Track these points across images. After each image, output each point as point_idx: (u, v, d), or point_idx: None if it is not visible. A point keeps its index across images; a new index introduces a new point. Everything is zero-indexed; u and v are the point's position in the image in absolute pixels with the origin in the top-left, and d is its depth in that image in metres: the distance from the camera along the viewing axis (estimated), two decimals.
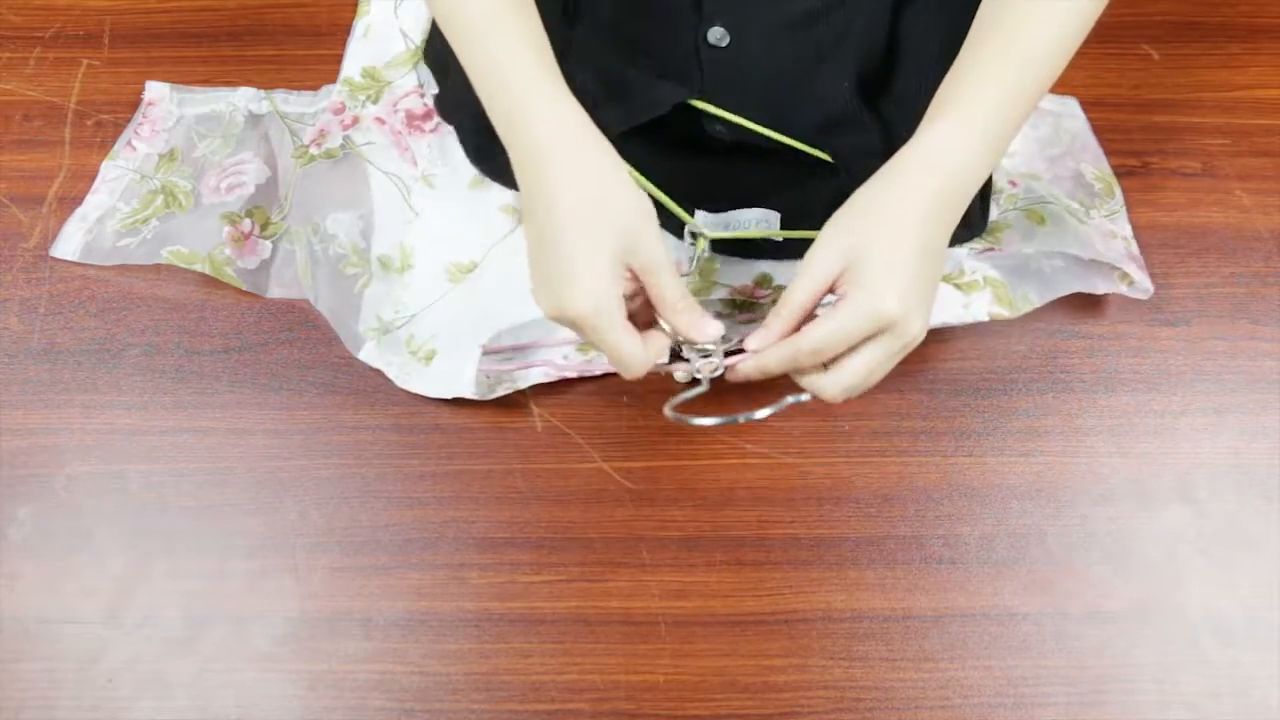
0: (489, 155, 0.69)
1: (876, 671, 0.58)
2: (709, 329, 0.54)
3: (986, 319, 0.63)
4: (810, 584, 0.60)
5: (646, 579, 0.61)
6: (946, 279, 0.62)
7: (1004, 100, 0.55)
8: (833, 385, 0.52)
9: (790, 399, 0.54)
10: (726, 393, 0.59)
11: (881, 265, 0.51)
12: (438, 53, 0.73)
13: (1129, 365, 0.67)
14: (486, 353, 0.64)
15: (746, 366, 0.55)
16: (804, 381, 0.54)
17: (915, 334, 0.52)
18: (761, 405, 0.54)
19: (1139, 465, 0.64)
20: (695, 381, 0.57)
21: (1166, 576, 0.61)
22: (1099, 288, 0.66)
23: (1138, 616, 0.60)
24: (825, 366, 0.53)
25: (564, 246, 0.51)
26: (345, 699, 0.57)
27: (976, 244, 0.67)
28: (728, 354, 0.55)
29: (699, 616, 0.59)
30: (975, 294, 0.62)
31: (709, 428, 0.54)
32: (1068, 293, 0.66)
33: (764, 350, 0.54)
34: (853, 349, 0.52)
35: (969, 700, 0.58)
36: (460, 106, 0.70)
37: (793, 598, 0.60)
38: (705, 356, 0.55)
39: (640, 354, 0.52)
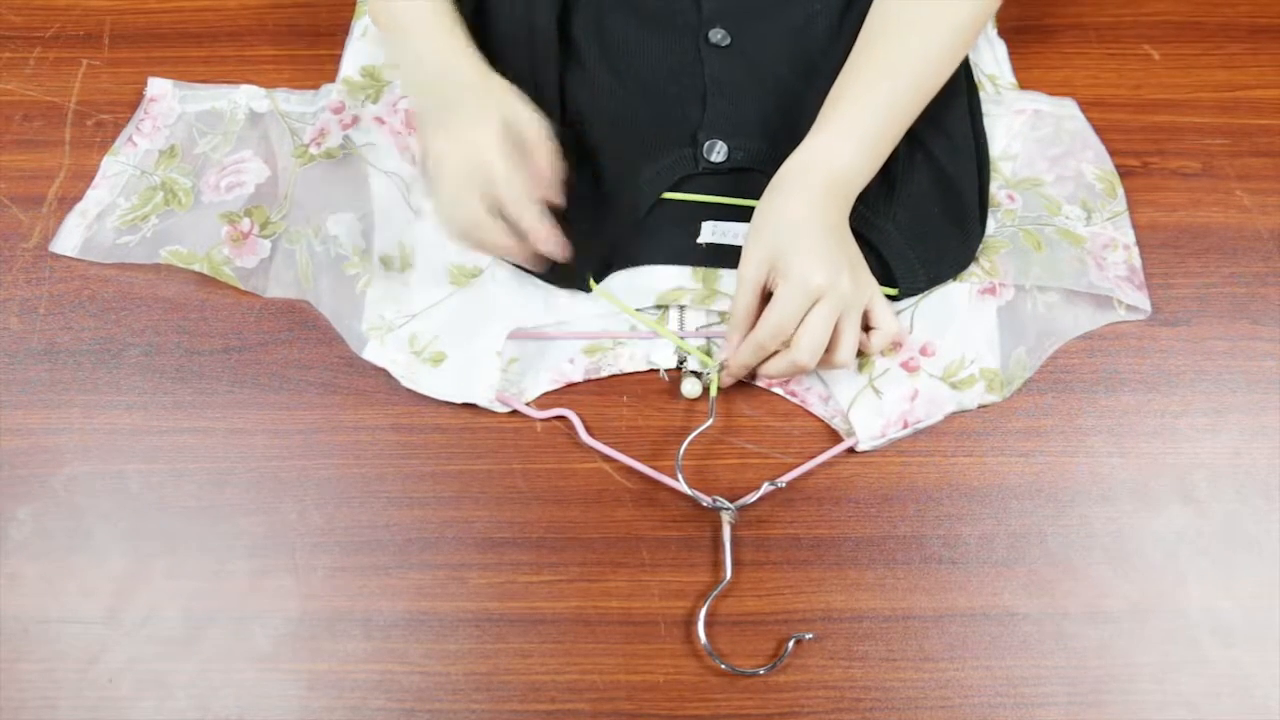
0: None
1: (876, 671, 0.58)
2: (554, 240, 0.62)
3: (975, 408, 0.65)
4: (810, 584, 0.60)
5: (646, 579, 0.61)
6: (946, 375, 0.65)
7: (883, 113, 0.63)
8: (800, 352, 0.60)
9: (767, 485, 0.61)
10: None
11: (798, 254, 0.59)
12: None
13: (1129, 365, 0.67)
14: (512, 337, 0.66)
15: (733, 369, 0.63)
16: (777, 365, 0.62)
17: (846, 292, 0.60)
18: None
19: (1139, 465, 0.64)
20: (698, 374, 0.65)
21: (1166, 576, 0.61)
22: (1098, 321, 0.68)
23: (1138, 616, 0.60)
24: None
25: (464, 111, 0.62)
26: (345, 699, 0.57)
27: (977, 280, 0.67)
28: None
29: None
30: (969, 390, 0.65)
31: (737, 673, 0.58)
32: (1060, 345, 0.67)
33: (734, 353, 0.62)
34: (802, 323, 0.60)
35: (969, 700, 0.58)
36: None
37: (793, 598, 0.60)
38: (699, 376, 0.63)
39: (537, 210, 0.60)
